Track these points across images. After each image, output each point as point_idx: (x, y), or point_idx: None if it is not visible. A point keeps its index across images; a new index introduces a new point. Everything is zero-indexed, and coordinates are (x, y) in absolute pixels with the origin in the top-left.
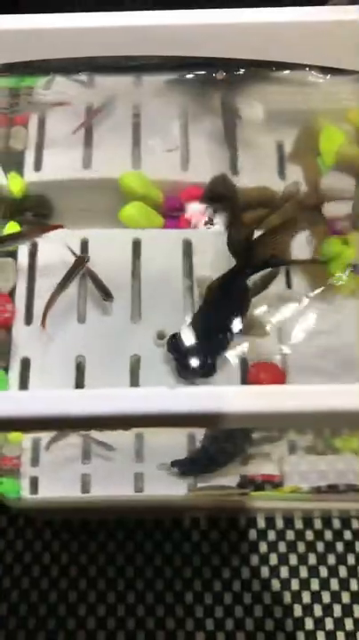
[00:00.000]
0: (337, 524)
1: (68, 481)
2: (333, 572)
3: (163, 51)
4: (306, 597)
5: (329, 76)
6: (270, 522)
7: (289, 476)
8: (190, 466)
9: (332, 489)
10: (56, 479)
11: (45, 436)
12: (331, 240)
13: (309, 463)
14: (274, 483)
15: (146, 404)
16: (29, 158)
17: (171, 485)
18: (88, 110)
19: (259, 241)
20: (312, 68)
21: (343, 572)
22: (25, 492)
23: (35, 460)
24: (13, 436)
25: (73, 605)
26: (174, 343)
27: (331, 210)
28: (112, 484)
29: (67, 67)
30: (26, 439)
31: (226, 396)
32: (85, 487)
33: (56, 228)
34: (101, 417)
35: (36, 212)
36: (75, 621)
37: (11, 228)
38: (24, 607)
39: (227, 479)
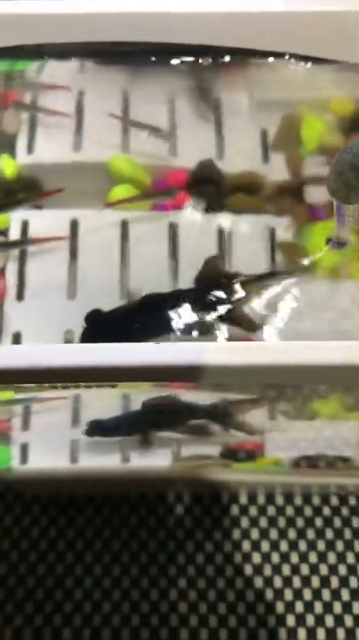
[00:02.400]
0: (316, 500)
1: (58, 448)
2: (312, 545)
3: (152, 37)
4: (286, 570)
5: (310, 65)
6: (252, 498)
7: (269, 446)
8: (113, 431)
9: (311, 461)
10: (46, 446)
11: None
12: (312, 229)
13: (288, 430)
14: (255, 453)
15: (131, 357)
16: (22, 141)
17: (156, 456)
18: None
19: None
20: (293, 56)
21: (321, 546)
22: (15, 462)
23: (25, 424)
24: (3, 395)
25: (60, 578)
26: None
27: (312, 195)
28: (99, 452)
29: (59, 52)
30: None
31: (207, 349)
32: (74, 456)
33: (58, 191)
34: (88, 368)
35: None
36: (63, 593)
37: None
38: (13, 579)
39: (210, 448)
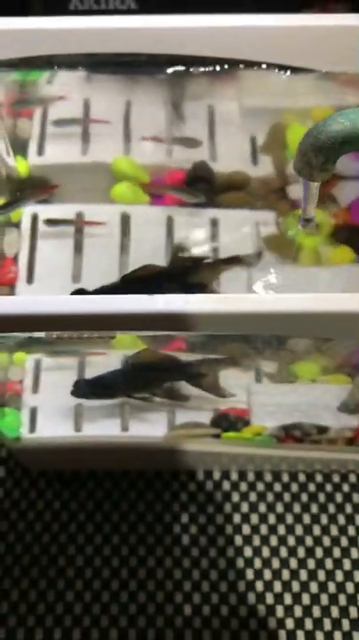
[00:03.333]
0: (302, 477)
1: (63, 415)
2: (298, 518)
3: (150, 49)
4: (273, 541)
5: (289, 74)
6: (242, 475)
7: (254, 411)
8: (97, 388)
9: (294, 431)
10: (52, 413)
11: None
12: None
13: (273, 395)
14: (242, 420)
15: (125, 305)
16: (33, 145)
17: (153, 424)
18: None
19: None
20: (277, 67)
21: (307, 519)
22: (24, 430)
23: (35, 386)
24: (18, 356)
25: (64, 545)
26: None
27: (295, 192)
28: (101, 420)
29: (68, 62)
30: (29, 359)
31: (195, 299)
32: (78, 423)
33: (53, 188)
34: (88, 315)
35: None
36: (65, 560)
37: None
38: (20, 546)
39: (201, 415)
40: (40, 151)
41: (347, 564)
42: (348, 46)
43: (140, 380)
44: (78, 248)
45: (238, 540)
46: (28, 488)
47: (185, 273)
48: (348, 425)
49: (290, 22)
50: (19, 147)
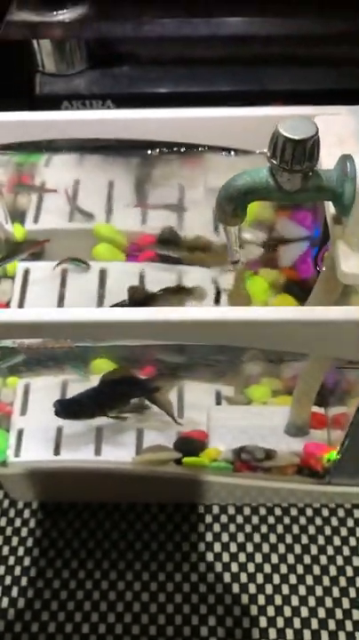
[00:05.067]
0: (273, 511)
1: (45, 436)
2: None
3: (129, 135)
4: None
5: (234, 155)
6: (207, 509)
7: (212, 434)
8: (76, 405)
9: (245, 455)
10: (36, 434)
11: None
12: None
13: (229, 417)
14: (201, 444)
15: (105, 315)
16: (30, 214)
17: (123, 447)
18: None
19: None
20: (232, 150)
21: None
22: (10, 452)
23: (24, 408)
24: (10, 380)
25: (42, 570)
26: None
27: (249, 252)
28: (77, 442)
29: (61, 147)
30: (20, 383)
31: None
32: (57, 446)
33: (44, 242)
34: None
35: (33, 251)
36: (44, 582)
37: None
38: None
39: (166, 438)
40: (36, 219)
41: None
42: None
43: (110, 397)
44: (61, 297)
45: (218, 567)
46: (14, 517)
47: (143, 303)
48: (294, 449)
49: (242, 113)
50: (18, 216)
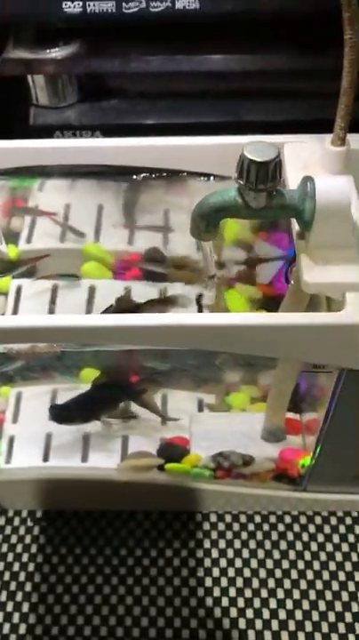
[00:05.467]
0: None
1: (35, 443)
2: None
3: (118, 162)
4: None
5: (213, 180)
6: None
7: (194, 440)
8: (65, 410)
9: (223, 461)
10: (26, 441)
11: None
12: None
13: (210, 423)
14: (184, 449)
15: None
16: (23, 235)
17: (107, 453)
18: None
19: None
20: (215, 176)
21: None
22: (2, 459)
23: (15, 416)
24: (3, 390)
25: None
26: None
27: (229, 270)
28: (65, 449)
29: (53, 172)
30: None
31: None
32: (46, 453)
33: (44, 257)
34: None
35: (26, 270)
36: (31, 584)
37: (6, 282)
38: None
39: (149, 444)
40: (28, 240)
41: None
42: None
43: (101, 400)
44: (51, 311)
45: (192, 563)
46: (4, 525)
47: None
48: (270, 455)
49: (220, 141)
50: (12, 237)
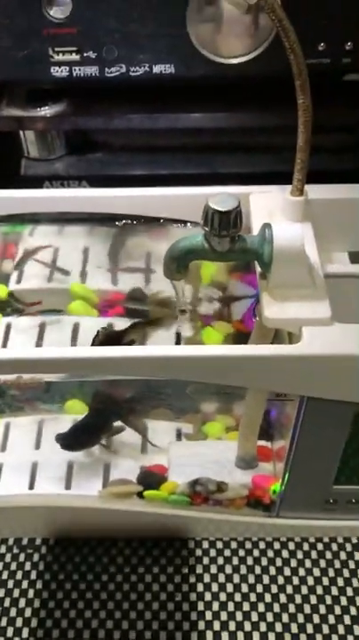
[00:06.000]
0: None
1: (22, 470)
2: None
3: (102, 209)
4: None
5: (190, 226)
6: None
7: (172, 468)
8: (72, 438)
9: (199, 487)
10: (13, 469)
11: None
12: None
13: (187, 452)
14: (162, 476)
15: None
16: (14, 276)
17: (89, 481)
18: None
19: None
20: (192, 223)
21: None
22: None
23: (4, 444)
24: None
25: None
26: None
27: (206, 309)
28: (50, 477)
29: (43, 219)
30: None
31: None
32: (32, 480)
33: (37, 303)
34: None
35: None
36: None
37: None
38: None
39: (130, 472)
40: (19, 280)
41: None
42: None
43: (100, 423)
44: (39, 346)
45: (170, 586)
46: None
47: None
48: (243, 481)
49: (195, 192)
50: (3, 279)
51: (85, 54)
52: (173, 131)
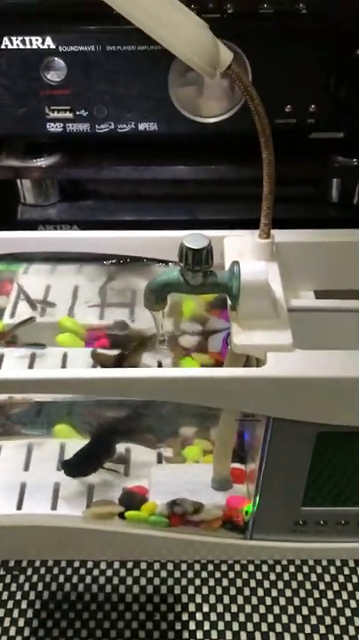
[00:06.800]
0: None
1: (10, 492)
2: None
3: (91, 250)
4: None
5: (171, 265)
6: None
7: (152, 489)
8: (76, 465)
9: (176, 508)
10: (2, 490)
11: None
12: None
13: (166, 474)
14: (143, 497)
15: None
16: (7, 311)
17: (73, 502)
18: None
19: None
20: (174, 262)
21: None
22: None
23: None
24: None
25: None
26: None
27: (186, 341)
28: (36, 499)
29: (36, 258)
30: None
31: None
32: (20, 500)
33: (31, 319)
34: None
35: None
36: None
37: None
38: None
39: (112, 493)
40: (12, 315)
41: None
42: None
43: (102, 446)
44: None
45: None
46: None
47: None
48: (218, 502)
49: (176, 235)
50: None
51: (78, 112)
52: (157, 181)
